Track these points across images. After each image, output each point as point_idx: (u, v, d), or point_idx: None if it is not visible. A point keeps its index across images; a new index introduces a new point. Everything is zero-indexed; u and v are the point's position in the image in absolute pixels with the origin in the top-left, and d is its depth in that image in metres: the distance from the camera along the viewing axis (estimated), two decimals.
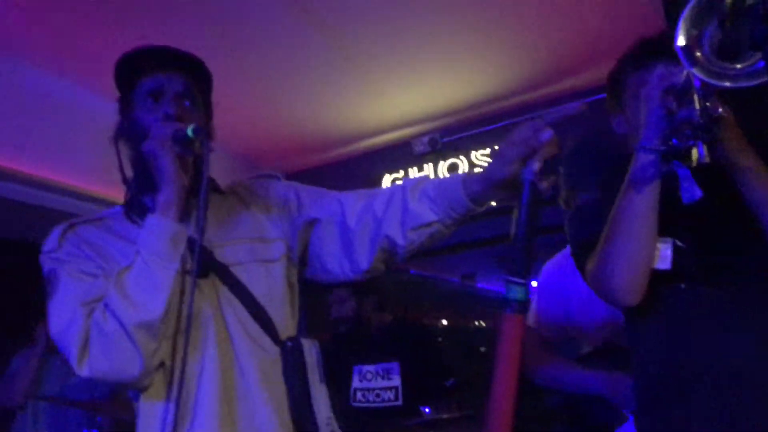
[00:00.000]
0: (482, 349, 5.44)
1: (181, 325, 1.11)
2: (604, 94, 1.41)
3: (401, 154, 4.05)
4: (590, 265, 1.25)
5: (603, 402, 1.67)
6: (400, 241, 1.15)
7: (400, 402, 2.51)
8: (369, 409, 2.54)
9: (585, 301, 1.74)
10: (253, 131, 3.76)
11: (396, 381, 2.55)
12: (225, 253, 1.25)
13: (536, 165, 0.93)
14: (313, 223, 1.30)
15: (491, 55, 3.22)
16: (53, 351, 2.80)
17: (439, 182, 1.13)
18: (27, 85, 2.83)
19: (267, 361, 1.21)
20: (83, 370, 1.06)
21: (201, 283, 1.19)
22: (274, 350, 1.23)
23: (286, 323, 1.28)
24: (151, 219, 1.14)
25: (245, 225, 1.32)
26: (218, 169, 1.26)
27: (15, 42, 2.65)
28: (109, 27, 2.58)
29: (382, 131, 3.98)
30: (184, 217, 1.18)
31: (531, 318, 1.86)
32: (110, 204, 1.35)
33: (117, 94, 1.29)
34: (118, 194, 1.32)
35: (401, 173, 4.04)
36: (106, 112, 1.30)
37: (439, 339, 2.81)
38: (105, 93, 1.34)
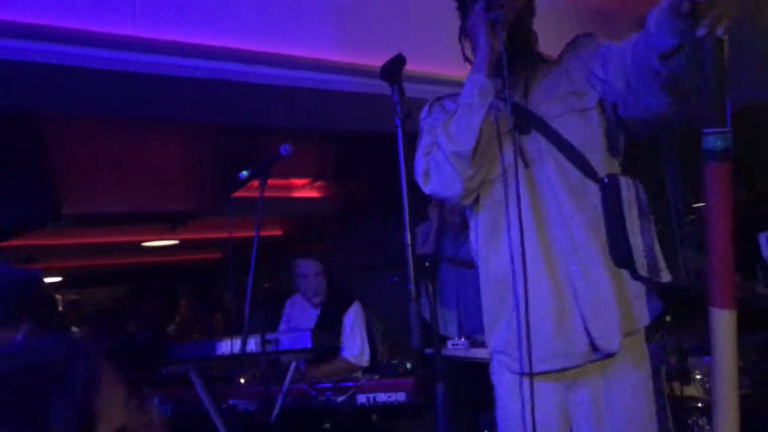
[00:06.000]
0: None
1: (506, 173, 1.41)
2: None
3: None
4: None
5: None
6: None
7: None
8: None
9: None
10: None
11: None
12: (544, 109, 1.48)
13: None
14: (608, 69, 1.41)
15: None
16: (446, 225, 3.48)
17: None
18: None
19: (590, 206, 1.39)
20: (426, 189, 1.49)
21: (525, 140, 1.44)
22: (597, 193, 1.39)
23: (606, 167, 1.43)
24: (469, 76, 1.46)
25: (562, 84, 1.50)
26: (571, 28, 1.51)
27: None
28: None
29: None
30: (512, 83, 1.42)
31: None
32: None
33: None
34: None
35: None
36: None
37: None
38: None
